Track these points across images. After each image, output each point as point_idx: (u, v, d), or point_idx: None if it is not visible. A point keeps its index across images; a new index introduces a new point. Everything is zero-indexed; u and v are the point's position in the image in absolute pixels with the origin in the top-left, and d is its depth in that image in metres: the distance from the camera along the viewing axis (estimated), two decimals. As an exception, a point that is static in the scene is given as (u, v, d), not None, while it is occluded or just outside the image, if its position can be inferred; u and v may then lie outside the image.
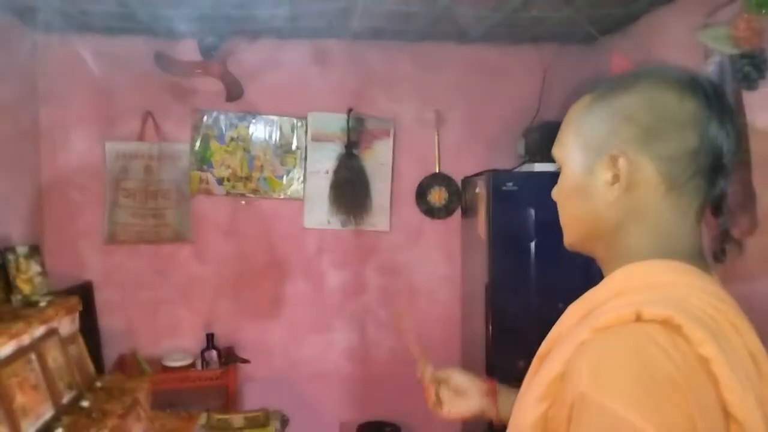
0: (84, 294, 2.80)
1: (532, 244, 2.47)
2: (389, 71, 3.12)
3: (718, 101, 0.76)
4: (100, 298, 2.99)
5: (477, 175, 2.88)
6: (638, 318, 0.67)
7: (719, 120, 0.75)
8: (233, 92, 2.89)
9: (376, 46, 3.07)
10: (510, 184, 2.45)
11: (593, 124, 0.79)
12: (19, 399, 1.80)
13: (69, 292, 2.58)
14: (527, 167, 2.74)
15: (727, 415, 0.63)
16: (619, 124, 0.77)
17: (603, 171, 0.77)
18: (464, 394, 1.14)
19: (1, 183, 2.55)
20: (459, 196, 3.17)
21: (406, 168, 3.18)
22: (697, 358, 0.63)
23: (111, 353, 2.96)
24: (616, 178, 0.76)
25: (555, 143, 0.86)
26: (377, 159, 3.15)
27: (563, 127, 0.85)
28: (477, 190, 2.69)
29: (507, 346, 2.49)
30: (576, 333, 0.71)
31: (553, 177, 0.86)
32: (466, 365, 3.07)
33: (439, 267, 3.21)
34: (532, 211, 2.45)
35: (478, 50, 3.11)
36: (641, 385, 0.61)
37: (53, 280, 2.46)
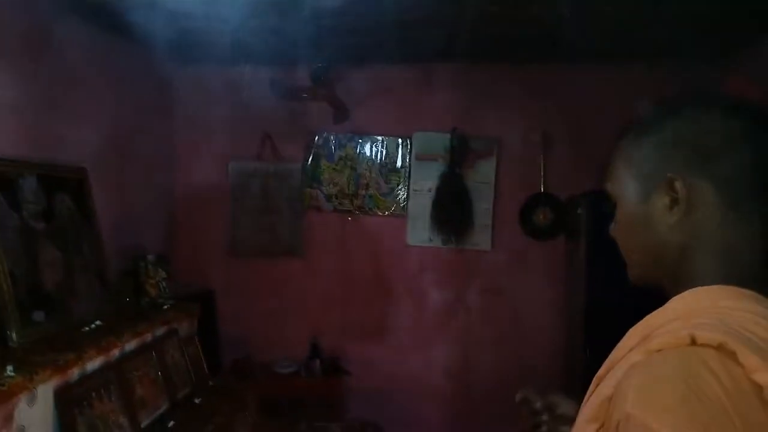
0: (206, 301, 3.07)
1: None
2: (494, 92, 3.12)
3: (766, 118, 0.75)
4: (221, 305, 3.24)
5: (581, 195, 2.79)
6: (692, 342, 0.65)
7: None
8: (340, 115, 3.05)
9: (481, 67, 3.09)
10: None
11: (644, 153, 0.80)
12: (139, 391, 2.02)
13: (193, 298, 2.84)
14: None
15: None
16: (670, 149, 0.77)
17: (660, 197, 0.77)
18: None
19: (140, 199, 2.88)
20: (564, 218, 3.08)
21: (510, 187, 3.15)
22: (750, 384, 0.61)
23: (228, 357, 3.20)
24: (674, 201, 0.76)
25: (607, 178, 0.87)
26: (480, 178, 3.15)
27: (613, 161, 0.86)
28: (579, 211, 2.60)
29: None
30: (631, 356, 0.71)
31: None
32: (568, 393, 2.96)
33: (543, 290, 3.13)
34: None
35: (586, 70, 3.01)
36: (688, 408, 0.60)
37: (180, 287, 2.73)
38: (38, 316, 1.81)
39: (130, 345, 2.06)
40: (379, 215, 3.22)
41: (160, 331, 2.30)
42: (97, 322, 2.05)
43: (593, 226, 2.44)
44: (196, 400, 2.33)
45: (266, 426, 2.56)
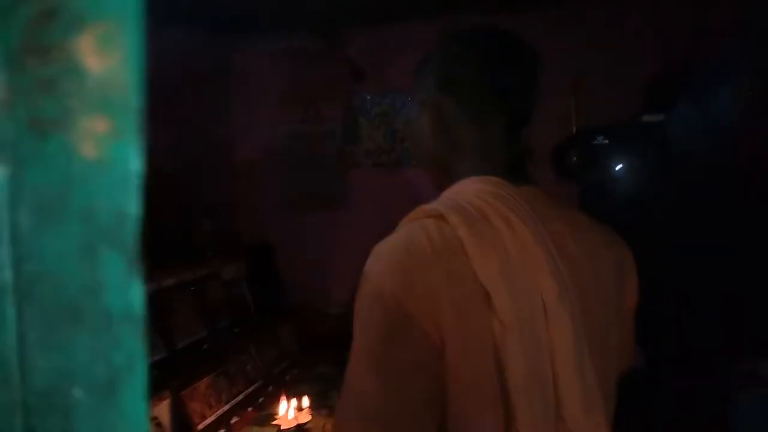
0: (266, 252, 3.47)
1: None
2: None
3: (499, 48, 0.93)
4: (281, 256, 3.61)
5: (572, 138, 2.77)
6: (425, 216, 0.85)
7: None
8: (357, 76, 3.27)
9: (503, 17, 3.11)
10: (601, 137, 2.34)
11: (419, 81, 1.01)
12: (175, 320, 2.41)
13: (255, 248, 3.25)
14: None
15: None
16: (428, 76, 0.98)
17: (426, 115, 0.98)
18: None
19: (199, 163, 3.29)
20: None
21: (541, 131, 3.16)
22: (456, 238, 0.79)
23: (286, 302, 3.57)
24: (434, 118, 0.97)
25: None
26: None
27: None
28: (573, 159, 2.60)
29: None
30: None
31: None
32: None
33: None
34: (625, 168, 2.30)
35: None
36: (394, 253, 0.82)
37: (244, 239, 3.13)
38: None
39: (168, 281, 2.46)
40: (415, 167, 3.39)
41: (202, 272, 2.69)
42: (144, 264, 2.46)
43: (586, 170, 2.43)
44: (235, 331, 2.70)
45: (298, 355, 2.88)
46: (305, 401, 2.13)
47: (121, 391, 0.22)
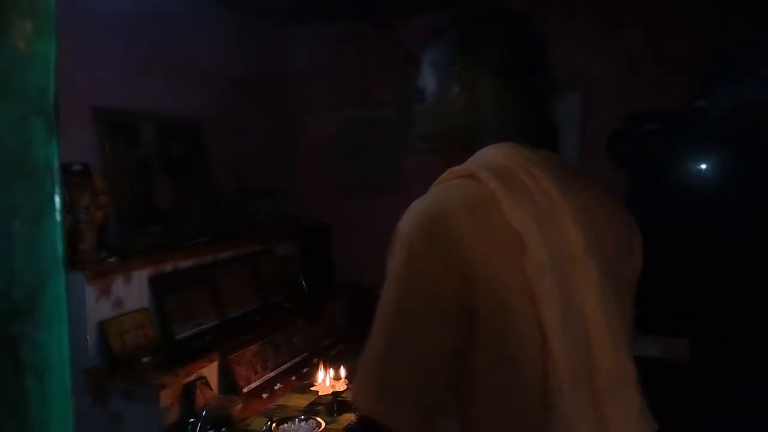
0: (324, 232, 3.60)
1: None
2: (575, 23, 3.09)
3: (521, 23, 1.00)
4: (336, 236, 3.73)
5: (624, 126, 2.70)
6: (456, 177, 0.91)
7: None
8: (412, 60, 3.30)
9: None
10: (652, 123, 2.28)
11: (439, 55, 1.06)
12: (229, 291, 2.56)
13: (312, 229, 3.38)
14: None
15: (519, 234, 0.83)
16: (457, 50, 1.02)
17: (452, 87, 1.02)
18: None
19: (265, 146, 3.43)
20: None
21: (597, 119, 3.12)
22: (488, 191, 0.84)
23: (340, 280, 3.68)
24: (461, 89, 1.01)
25: (417, 76, 1.13)
26: (565, 110, 3.16)
27: (422, 62, 1.13)
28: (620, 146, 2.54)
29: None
30: None
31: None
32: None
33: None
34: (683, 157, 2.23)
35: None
36: (425, 214, 0.86)
37: (302, 220, 3.29)
38: (152, 229, 2.42)
39: (225, 254, 2.61)
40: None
41: (257, 248, 2.83)
42: (203, 238, 2.63)
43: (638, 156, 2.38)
44: (286, 305, 2.83)
45: (346, 331, 2.98)
46: (342, 371, 2.22)
47: (43, 222, 0.30)
